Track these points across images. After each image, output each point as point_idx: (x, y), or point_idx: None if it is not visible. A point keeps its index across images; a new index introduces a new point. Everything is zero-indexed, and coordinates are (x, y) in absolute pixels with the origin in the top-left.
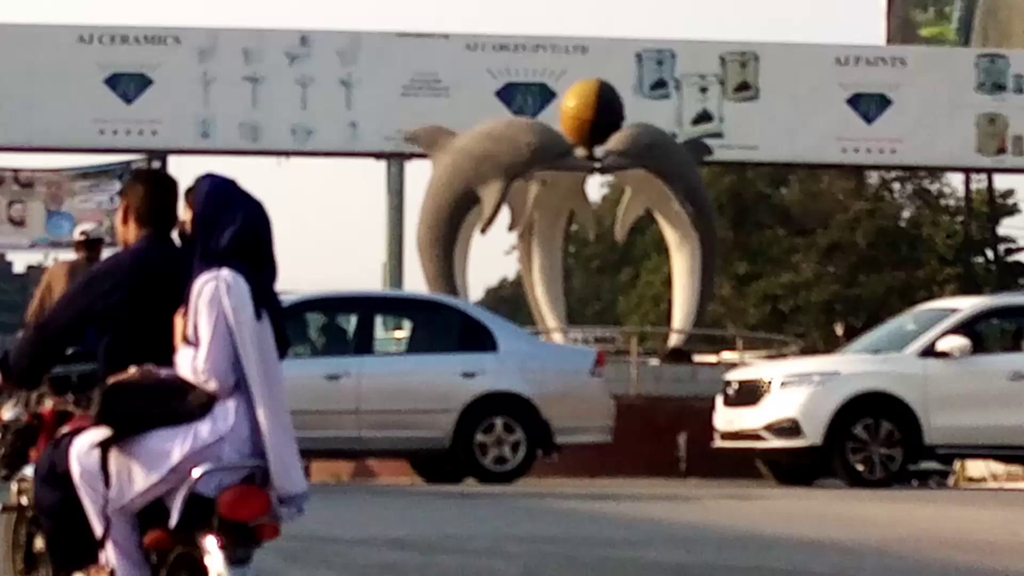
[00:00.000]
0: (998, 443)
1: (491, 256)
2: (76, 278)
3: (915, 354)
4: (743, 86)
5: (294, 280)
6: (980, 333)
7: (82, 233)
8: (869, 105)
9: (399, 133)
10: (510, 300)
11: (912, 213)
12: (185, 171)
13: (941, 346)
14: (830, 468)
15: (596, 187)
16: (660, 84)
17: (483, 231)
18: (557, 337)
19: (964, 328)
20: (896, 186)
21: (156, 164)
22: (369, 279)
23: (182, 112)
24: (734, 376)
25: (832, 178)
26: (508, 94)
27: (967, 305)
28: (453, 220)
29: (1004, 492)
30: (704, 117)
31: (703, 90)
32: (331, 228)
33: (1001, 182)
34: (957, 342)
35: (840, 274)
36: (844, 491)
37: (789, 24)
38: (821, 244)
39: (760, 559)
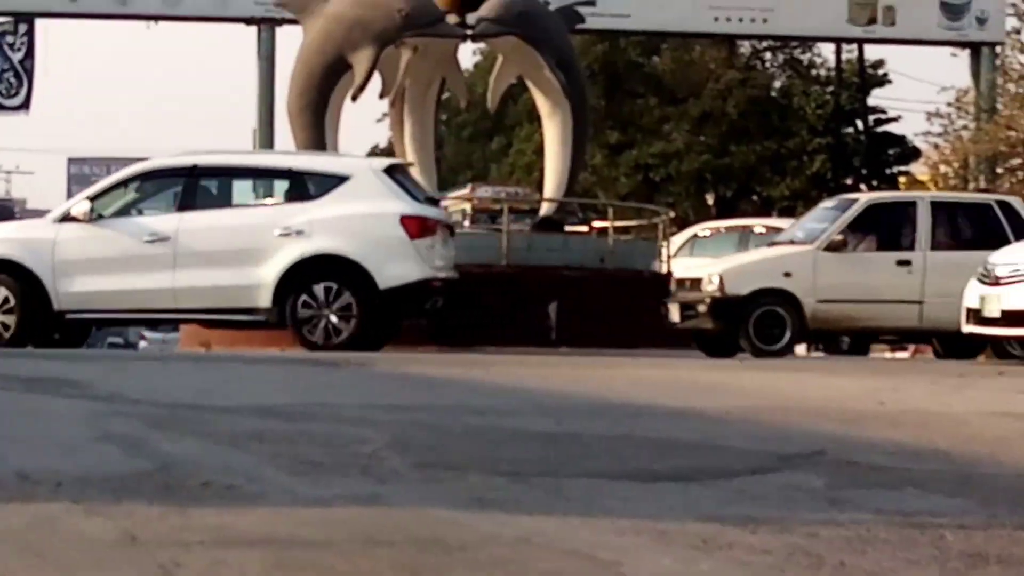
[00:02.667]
0: (135, 308)
1: (362, 123)
2: None
3: (52, 220)
4: None
5: (162, 147)
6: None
7: None
8: None
9: None
10: None
11: (783, 83)
12: (52, 34)
13: (74, 211)
14: None
15: (468, 55)
16: None
17: (354, 98)
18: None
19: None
20: (767, 56)
21: (23, 26)
22: (240, 146)
23: None
24: None
25: (704, 48)
26: None
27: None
28: (324, 87)
29: (875, 361)
30: None
31: None
32: (201, 94)
33: (872, 52)
34: (83, 206)
35: (711, 144)
36: (716, 360)
37: None
38: (692, 114)
39: (629, 428)
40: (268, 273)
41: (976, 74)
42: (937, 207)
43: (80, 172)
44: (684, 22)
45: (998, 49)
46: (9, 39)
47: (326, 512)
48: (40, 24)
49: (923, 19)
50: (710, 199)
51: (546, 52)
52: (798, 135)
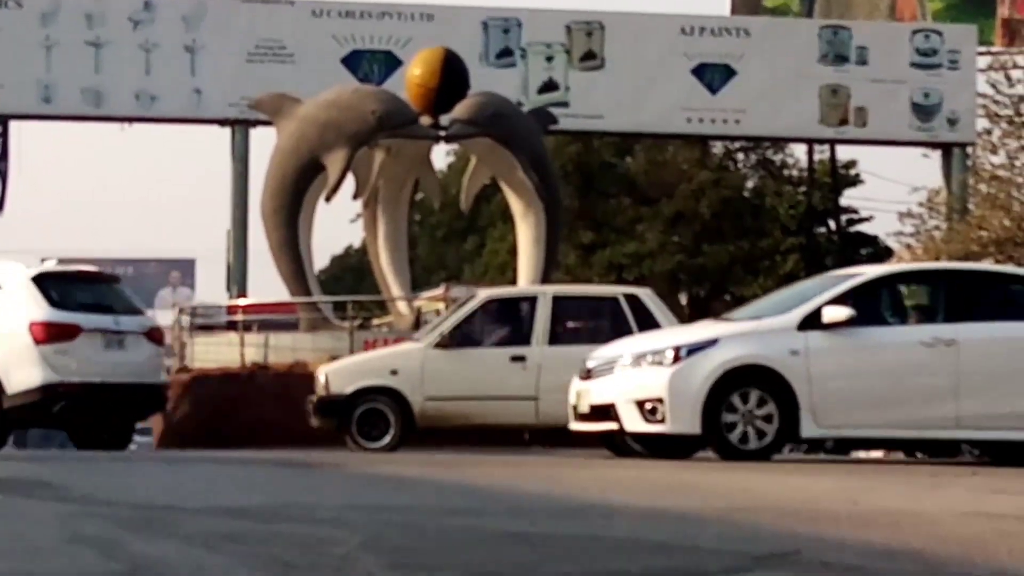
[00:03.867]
0: None
1: (336, 224)
2: None
3: None
4: (589, 55)
5: (137, 248)
6: None
7: None
8: (714, 75)
9: (244, 100)
10: (355, 268)
11: (756, 183)
12: (26, 136)
13: None
14: None
15: (441, 155)
16: (506, 53)
17: (328, 199)
18: (402, 305)
19: None
20: (740, 156)
21: None
22: (214, 247)
23: (23, 77)
24: None
25: (677, 148)
26: (354, 61)
27: None
28: (298, 188)
29: (847, 461)
30: (550, 86)
31: (549, 59)
32: (175, 195)
33: (843, 153)
34: None
35: (685, 244)
36: (684, 461)
37: None
38: (666, 214)
39: (602, 528)
40: None
41: (948, 174)
42: (559, 301)
43: None
44: (657, 123)
45: (969, 150)
46: None
47: None
48: (14, 126)
49: (895, 120)
50: (683, 299)
51: (519, 153)
52: (771, 235)
